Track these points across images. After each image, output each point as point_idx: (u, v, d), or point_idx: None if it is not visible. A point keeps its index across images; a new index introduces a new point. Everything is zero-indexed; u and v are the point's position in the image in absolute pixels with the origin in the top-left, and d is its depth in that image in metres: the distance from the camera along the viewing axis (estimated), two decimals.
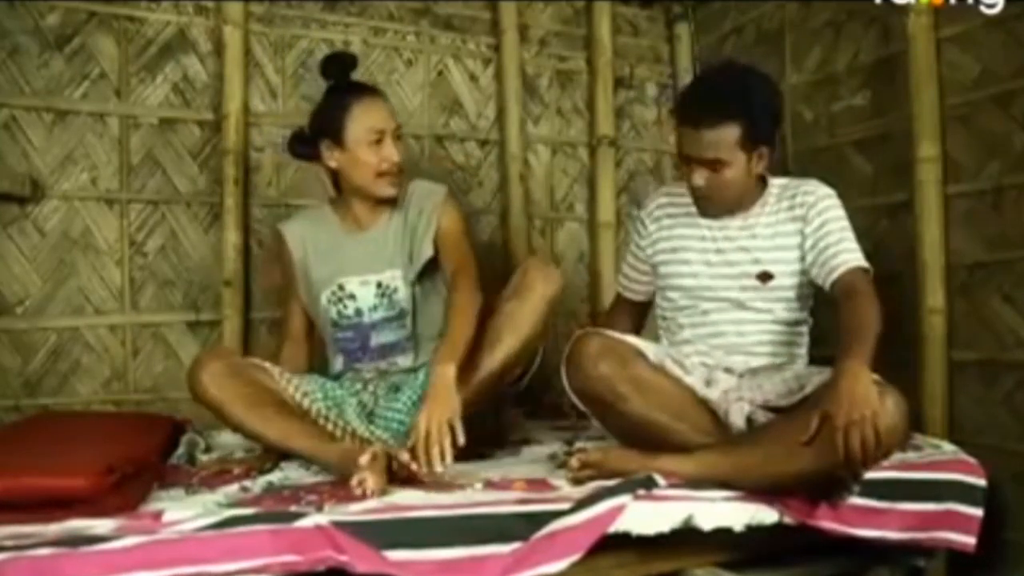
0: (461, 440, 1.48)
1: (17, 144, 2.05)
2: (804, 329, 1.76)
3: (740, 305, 1.70)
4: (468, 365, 1.62)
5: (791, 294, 1.71)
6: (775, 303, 1.70)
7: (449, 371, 1.55)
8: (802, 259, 1.69)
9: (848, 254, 1.62)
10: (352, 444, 1.67)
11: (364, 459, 1.41)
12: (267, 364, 1.76)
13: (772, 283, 1.68)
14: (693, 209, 1.76)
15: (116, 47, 2.16)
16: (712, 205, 1.70)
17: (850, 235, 1.66)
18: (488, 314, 1.70)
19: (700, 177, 1.64)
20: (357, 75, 1.91)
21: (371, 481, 1.38)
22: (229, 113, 2.22)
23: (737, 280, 1.70)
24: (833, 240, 1.63)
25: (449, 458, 1.46)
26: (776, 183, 1.75)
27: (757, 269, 1.68)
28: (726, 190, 1.65)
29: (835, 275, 1.60)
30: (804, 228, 1.67)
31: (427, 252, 1.85)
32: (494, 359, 1.66)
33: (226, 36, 2.23)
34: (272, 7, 2.33)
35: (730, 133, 1.59)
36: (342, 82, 1.87)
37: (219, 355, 1.67)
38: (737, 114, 1.59)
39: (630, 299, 1.97)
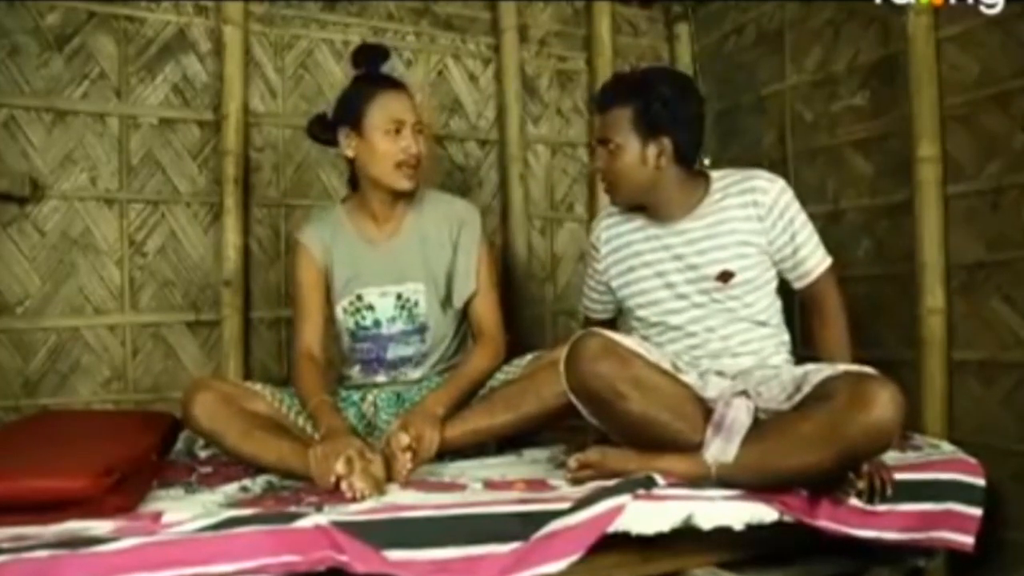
0: (409, 464, 1.53)
1: (17, 144, 2.05)
2: (781, 321, 1.74)
3: (710, 308, 1.68)
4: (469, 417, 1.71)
5: (756, 288, 1.69)
6: (742, 299, 1.68)
7: (439, 412, 1.66)
8: (763, 255, 1.69)
9: (815, 258, 1.70)
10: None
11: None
12: (258, 386, 1.75)
13: (734, 280, 1.66)
14: (641, 221, 1.77)
15: (116, 47, 2.16)
16: (615, 192, 1.76)
17: (812, 231, 1.71)
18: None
19: (600, 159, 1.74)
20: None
21: (358, 483, 1.38)
22: (229, 113, 2.22)
23: (699, 284, 1.68)
24: (801, 242, 1.69)
25: (408, 467, 1.52)
26: (717, 176, 1.74)
27: (717, 269, 1.67)
28: (623, 176, 1.70)
29: (806, 280, 1.72)
30: (766, 227, 1.67)
31: (471, 288, 1.87)
32: (491, 422, 1.71)
33: (226, 36, 2.23)
34: (272, 7, 2.34)
35: (622, 115, 1.67)
36: (370, 72, 1.86)
37: (209, 385, 1.66)
38: (628, 97, 1.67)
39: (598, 319, 1.94)
